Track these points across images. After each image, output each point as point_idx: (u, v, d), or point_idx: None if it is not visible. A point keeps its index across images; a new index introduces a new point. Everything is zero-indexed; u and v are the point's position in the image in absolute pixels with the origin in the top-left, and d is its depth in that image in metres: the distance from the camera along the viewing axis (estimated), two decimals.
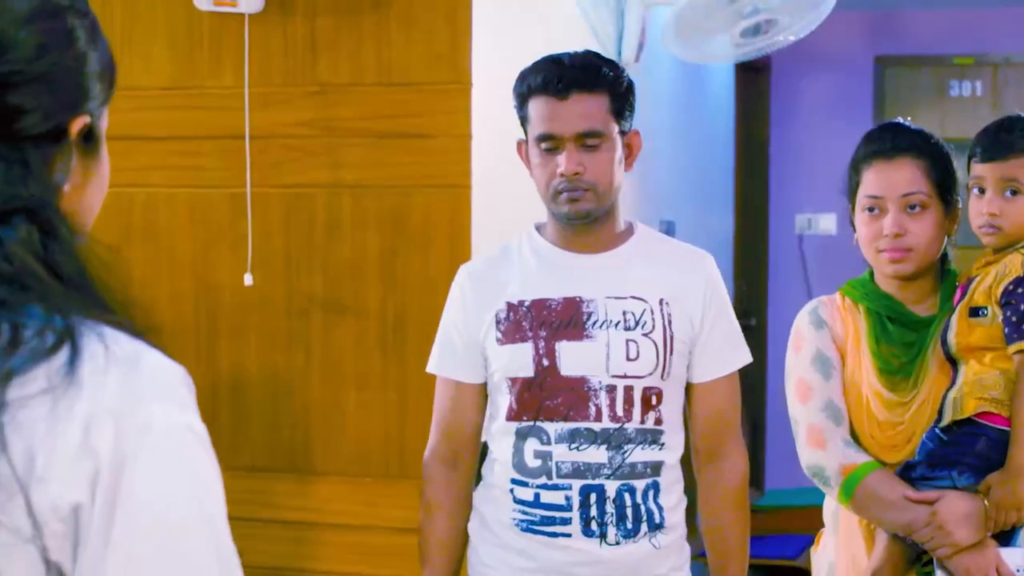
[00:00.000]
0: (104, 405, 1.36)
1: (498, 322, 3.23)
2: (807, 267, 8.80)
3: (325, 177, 4.23)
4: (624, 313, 3.18)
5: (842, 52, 8.95)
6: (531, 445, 3.20)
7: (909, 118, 3.42)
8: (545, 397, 3.17)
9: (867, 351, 3.24)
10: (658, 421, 3.20)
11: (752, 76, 8.82)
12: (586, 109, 3.14)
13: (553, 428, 3.17)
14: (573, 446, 3.16)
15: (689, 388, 3.29)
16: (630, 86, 3.23)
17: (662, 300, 3.21)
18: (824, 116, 8.97)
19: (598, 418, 3.16)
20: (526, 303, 3.22)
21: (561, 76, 3.14)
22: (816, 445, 3.22)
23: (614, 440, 3.16)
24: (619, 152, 3.19)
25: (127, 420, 1.36)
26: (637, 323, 3.18)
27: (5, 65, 1.42)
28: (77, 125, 1.49)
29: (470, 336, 3.28)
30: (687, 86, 7.29)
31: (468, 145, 4.08)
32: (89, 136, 1.51)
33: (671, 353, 3.19)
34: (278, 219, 4.28)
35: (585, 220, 3.19)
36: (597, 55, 3.24)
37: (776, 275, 9.07)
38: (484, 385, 3.32)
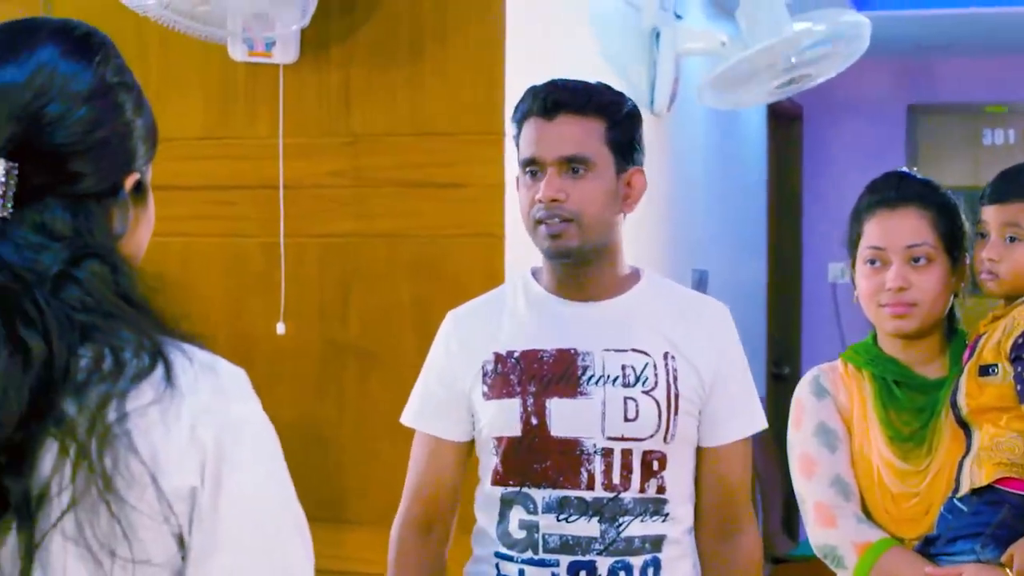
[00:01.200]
0: (202, 407, 1.69)
1: (485, 374, 2.92)
2: (841, 316, 8.78)
3: (359, 226, 4.25)
4: (624, 368, 2.86)
5: (874, 100, 8.96)
6: (517, 514, 2.88)
7: (915, 168, 3.33)
8: (533, 460, 2.86)
9: (875, 419, 3.03)
10: (661, 489, 2.86)
11: (785, 124, 8.83)
12: (573, 132, 2.84)
13: (540, 495, 2.84)
14: (562, 517, 2.83)
15: (698, 453, 2.97)
16: (633, 118, 2.94)
17: (667, 354, 2.88)
18: (857, 164, 8.95)
19: (590, 486, 2.83)
20: (516, 354, 2.90)
21: (549, 96, 2.88)
22: (826, 524, 3.00)
23: (607, 511, 2.82)
24: (612, 185, 2.87)
25: (222, 416, 1.70)
26: (638, 379, 2.85)
27: (67, 138, 1.70)
28: (129, 181, 1.79)
29: (455, 387, 2.97)
30: (720, 135, 7.29)
31: (501, 194, 4.09)
32: (139, 187, 1.81)
33: (676, 413, 2.86)
34: (312, 268, 4.29)
35: (569, 260, 2.88)
36: (605, 85, 2.98)
37: (809, 324, 9.05)
38: (467, 444, 3.01)
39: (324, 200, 4.28)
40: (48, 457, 1.59)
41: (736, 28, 5.34)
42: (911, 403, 3.03)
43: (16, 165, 1.67)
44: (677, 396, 2.87)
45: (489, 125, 4.12)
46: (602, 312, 2.93)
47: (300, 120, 4.29)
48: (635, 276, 3.00)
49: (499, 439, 2.89)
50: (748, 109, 7.43)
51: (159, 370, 1.67)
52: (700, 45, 5.70)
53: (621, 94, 2.98)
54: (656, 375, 2.87)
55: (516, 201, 4.11)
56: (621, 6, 5.32)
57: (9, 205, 1.66)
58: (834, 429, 3.07)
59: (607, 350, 2.88)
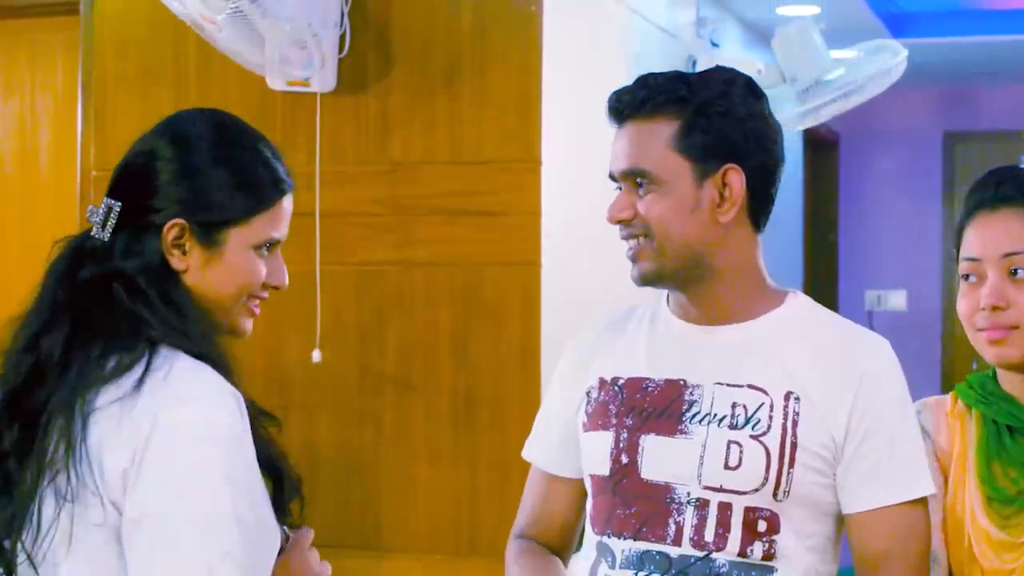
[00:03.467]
0: (152, 407, 2.01)
1: (588, 402, 2.54)
2: None
3: (396, 254, 4.25)
4: (734, 406, 2.39)
5: (911, 128, 8.94)
6: (601, 569, 2.45)
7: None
8: (617, 504, 2.43)
9: (974, 472, 2.48)
10: (768, 556, 2.36)
11: (821, 151, 8.82)
12: (633, 141, 2.44)
13: (621, 548, 2.42)
14: (641, 574, 2.39)
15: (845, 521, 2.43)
16: (723, 108, 2.43)
17: (789, 394, 2.38)
18: (893, 192, 8.96)
19: (677, 541, 2.38)
20: (620, 381, 2.49)
21: (618, 99, 2.48)
22: None
23: (693, 573, 2.35)
24: (687, 196, 2.41)
25: (162, 414, 2.00)
26: (748, 421, 2.38)
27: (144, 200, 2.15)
28: (168, 227, 2.13)
29: (565, 416, 2.59)
30: None
31: (539, 223, 4.09)
32: (206, 236, 2.14)
33: (791, 465, 2.35)
34: (350, 296, 4.30)
35: (656, 285, 2.48)
36: (680, 74, 2.49)
37: None
38: (581, 481, 2.58)
39: (361, 228, 4.29)
40: (53, 424, 2.05)
41: (772, 56, 5.35)
42: (1023, 455, 2.46)
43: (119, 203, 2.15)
44: (795, 446, 2.36)
45: (526, 153, 4.13)
46: (723, 338, 2.47)
47: (338, 148, 4.31)
48: (778, 299, 2.51)
49: (592, 477, 2.50)
50: (785, 135, 7.41)
51: (136, 372, 2.03)
52: None
53: (706, 83, 2.46)
54: (771, 418, 2.38)
55: (553, 229, 4.15)
56: (658, 34, 5.33)
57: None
58: None
59: (719, 384, 2.42)
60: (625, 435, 2.44)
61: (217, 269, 2.16)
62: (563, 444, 2.59)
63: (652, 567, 2.38)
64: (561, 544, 2.64)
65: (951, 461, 2.52)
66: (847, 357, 2.42)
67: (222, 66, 4.31)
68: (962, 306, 2.49)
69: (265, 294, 2.26)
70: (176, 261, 2.13)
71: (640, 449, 2.42)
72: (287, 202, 2.25)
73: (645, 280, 2.46)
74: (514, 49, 4.15)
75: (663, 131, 2.41)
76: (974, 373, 2.58)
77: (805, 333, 2.46)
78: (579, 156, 4.29)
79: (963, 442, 2.52)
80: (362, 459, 4.28)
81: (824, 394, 2.38)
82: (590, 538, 2.49)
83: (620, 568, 2.41)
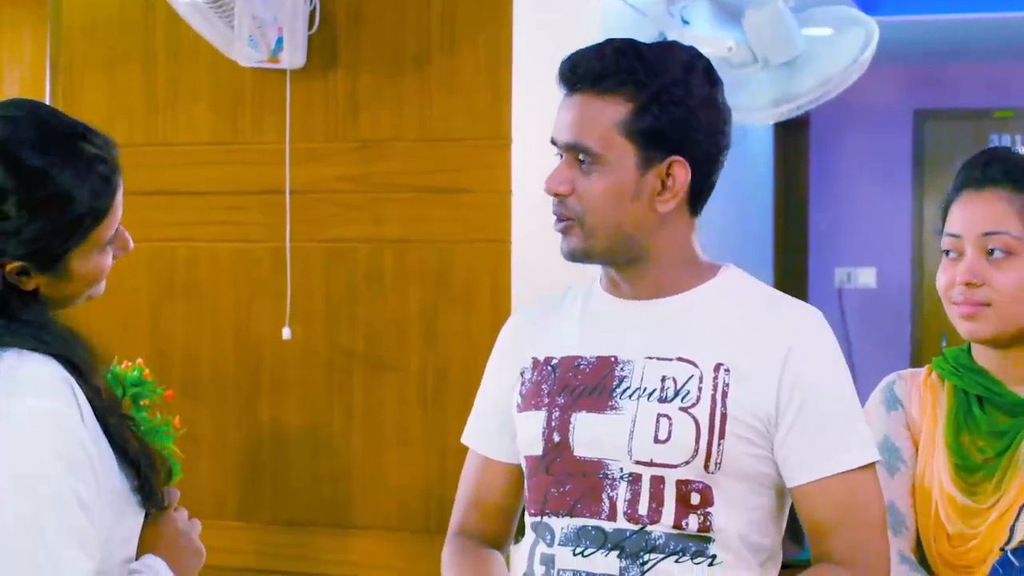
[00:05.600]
0: None
1: (522, 383, 2.49)
2: (847, 321, 8.77)
3: (366, 232, 4.25)
4: (663, 379, 2.34)
5: (881, 106, 8.95)
6: (539, 547, 2.41)
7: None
8: (551, 483, 2.40)
9: (943, 442, 2.54)
10: (704, 528, 2.32)
11: (792, 129, 8.83)
12: (581, 115, 2.35)
13: (559, 525, 2.38)
14: (578, 550, 2.35)
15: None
16: (679, 95, 2.34)
17: (719, 366, 2.33)
18: (863, 170, 8.97)
19: (611, 516, 2.34)
20: (554, 361, 2.45)
21: (570, 65, 2.39)
22: None
23: (630, 546, 2.32)
24: (627, 182, 2.34)
25: None
26: (676, 393, 2.33)
27: None
28: (9, 269, 2.12)
29: (500, 399, 2.55)
30: None
31: (508, 200, 4.09)
32: (47, 268, 2.14)
33: (721, 437, 2.30)
34: (319, 273, 4.30)
35: (583, 262, 2.44)
36: (639, 49, 2.37)
37: None
38: (518, 466, 2.54)
39: (331, 205, 4.28)
40: None
41: (743, 34, 5.35)
42: (991, 425, 2.52)
43: None
44: (724, 417, 2.31)
45: (496, 131, 4.13)
46: (653, 312, 2.41)
47: (307, 126, 4.30)
48: (711, 272, 2.47)
49: (526, 458, 2.46)
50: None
51: None
52: (707, 50, 5.66)
53: (672, 64, 2.37)
54: (700, 390, 2.32)
55: (523, 207, 4.14)
56: (628, 12, 5.32)
57: None
58: (899, 448, 2.59)
59: (649, 358, 2.37)
60: (557, 414, 2.40)
61: (66, 283, 2.19)
62: (500, 427, 2.55)
63: (588, 542, 2.35)
64: (499, 532, 2.60)
65: (922, 429, 2.58)
66: (777, 327, 2.38)
67: (191, 44, 4.30)
68: (940, 280, 2.56)
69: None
70: (26, 284, 2.15)
71: (571, 427, 2.38)
72: (119, 192, 2.20)
73: (573, 257, 2.42)
74: (484, 26, 4.14)
75: (613, 111, 2.33)
76: (950, 348, 2.64)
77: (736, 304, 2.42)
78: (549, 134, 4.29)
79: (934, 413, 2.58)
80: (332, 438, 4.28)
81: (754, 364, 2.33)
82: (528, 521, 2.45)
83: (559, 545, 2.37)
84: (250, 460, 4.35)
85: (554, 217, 2.41)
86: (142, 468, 2.18)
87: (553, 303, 2.58)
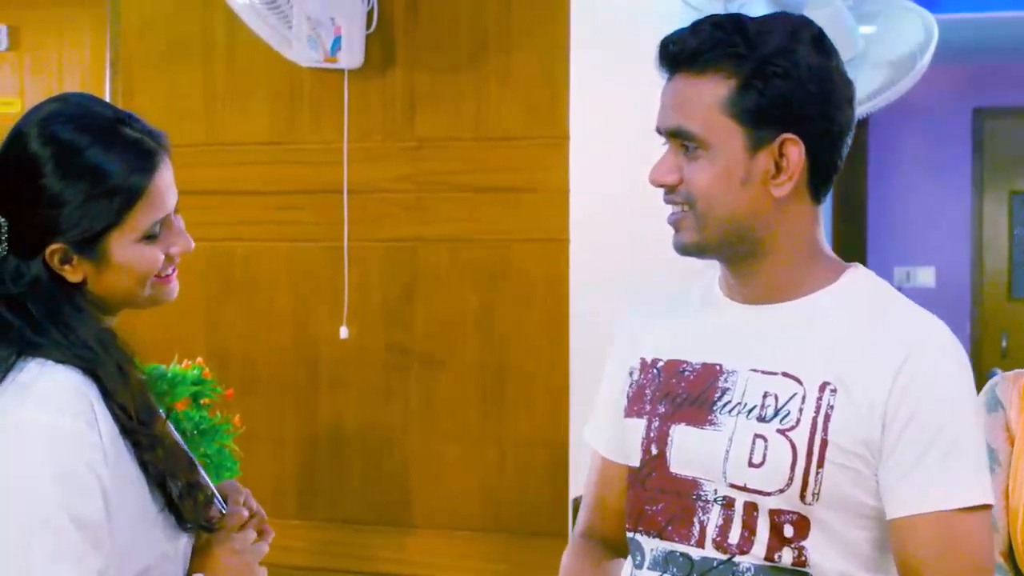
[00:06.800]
0: None
1: (630, 384, 2.32)
2: None
3: (422, 231, 4.25)
4: (765, 396, 2.14)
5: (940, 105, 8.89)
6: (629, 569, 2.27)
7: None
8: (646, 499, 2.22)
9: None
10: (800, 562, 2.09)
11: None
12: (681, 97, 2.15)
13: (649, 547, 2.21)
14: None
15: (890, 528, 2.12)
16: (777, 69, 2.12)
17: (825, 385, 2.10)
18: (922, 169, 8.92)
19: (700, 542, 2.15)
20: (660, 363, 2.27)
21: (669, 43, 2.17)
22: None
23: None
24: (737, 166, 2.13)
25: (1, 416, 2.01)
26: (776, 413, 2.12)
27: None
28: (49, 253, 2.12)
29: (613, 397, 2.36)
30: None
31: (566, 199, 4.08)
32: (86, 251, 2.12)
33: (820, 465, 2.07)
34: (376, 273, 4.30)
35: (694, 256, 2.22)
36: (739, 21, 2.18)
37: None
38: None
39: (388, 205, 4.29)
40: None
41: None
42: None
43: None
44: (824, 444, 2.08)
45: (554, 130, 4.12)
46: (764, 319, 2.21)
47: (365, 125, 4.30)
48: (834, 274, 2.23)
49: (628, 468, 2.28)
50: None
51: None
52: None
53: (775, 31, 2.15)
54: (802, 411, 2.10)
55: (581, 206, 4.13)
56: (686, 9, 5.31)
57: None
58: (995, 449, 2.50)
59: (754, 371, 2.17)
60: (657, 424, 2.21)
61: (110, 273, 2.16)
62: (613, 426, 2.34)
63: (675, 569, 2.18)
64: (621, 535, 2.34)
65: (1019, 431, 2.50)
66: (893, 340, 2.10)
67: (249, 44, 4.31)
68: None
69: (172, 268, 2.23)
70: (70, 275, 2.14)
71: (670, 440, 2.19)
72: (161, 176, 2.17)
73: (685, 251, 2.20)
74: (541, 25, 4.14)
75: (714, 90, 2.12)
76: None
77: (855, 313, 2.16)
78: (607, 132, 4.28)
79: None
80: (389, 435, 4.29)
81: (864, 384, 2.08)
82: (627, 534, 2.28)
83: (647, 568, 2.21)
84: (308, 458, 4.36)
85: (667, 210, 2.19)
86: (169, 489, 2.13)
87: (669, 299, 2.38)
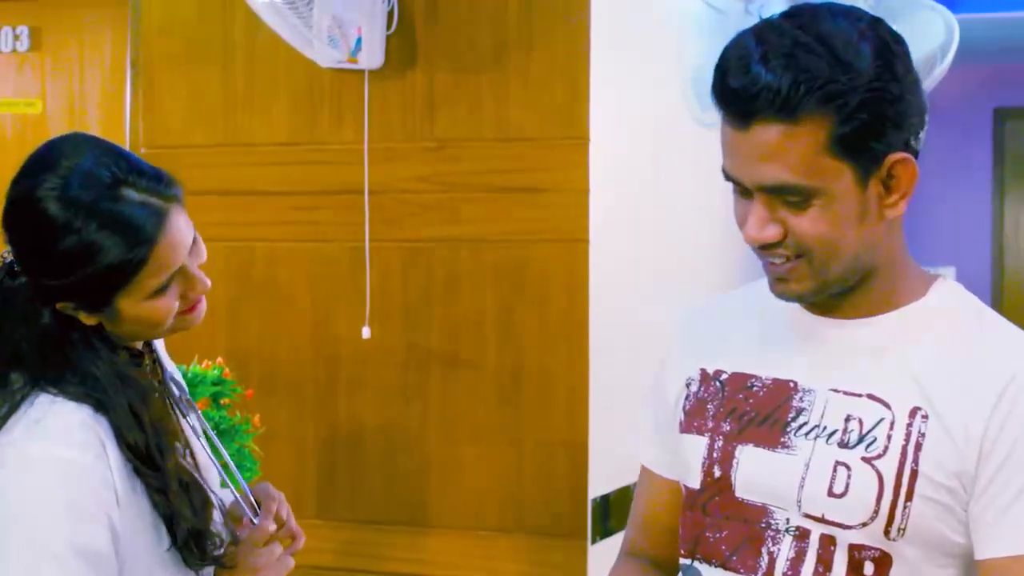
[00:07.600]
0: (5, 440, 2.05)
1: (686, 396, 2.17)
2: None
3: (443, 231, 4.25)
4: (848, 419, 1.97)
5: (961, 105, 8.88)
6: None
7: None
8: (707, 525, 2.07)
9: None
10: None
11: None
12: (776, 150, 1.88)
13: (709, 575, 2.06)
14: None
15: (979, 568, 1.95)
16: (875, 95, 1.88)
17: (916, 410, 1.93)
18: (943, 169, 8.90)
19: (768, 575, 1.99)
20: (724, 375, 2.11)
21: (740, 91, 1.88)
22: None
23: None
24: (852, 204, 1.93)
25: (11, 449, 2.04)
26: (861, 439, 1.95)
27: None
28: (59, 306, 2.14)
29: (666, 410, 2.22)
30: None
31: (586, 200, 4.08)
32: (95, 310, 2.14)
33: (908, 498, 1.91)
34: (396, 273, 4.30)
35: (807, 301, 2.05)
36: (827, 35, 1.87)
37: None
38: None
39: (408, 205, 4.29)
40: None
41: None
42: None
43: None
44: (915, 475, 1.91)
45: (574, 130, 4.11)
46: (848, 335, 2.03)
47: (385, 125, 4.30)
48: (922, 287, 2.08)
49: (685, 488, 2.15)
50: None
51: (4, 410, 2.09)
52: None
53: (855, 64, 1.88)
54: (890, 438, 1.93)
55: (601, 206, 4.13)
56: (706, 10, 5.30)
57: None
58: None
59: (835, 391, 2.00)
60: (720, 443, 2.06)
61: (124, 324, 2.18)
62: (663, 440, 2.23)
63: None
64: (669, 555, 2.23)
65: None
66: (992, 361, 1.94)
67: (269, 44, 4.31)
68: None
69: (191, 305, 2.26)
70: (85, 320, 2.16)
71: (735, 462, 2.04)
72: (168, 235, 2.13)
73: (800, 300, 2.03)
74: (562, 25, 4.13)
75: (814, 134, 1.87)
76: None
77: (946, 331, 2.00)
78: (627, 133, 4.28)
79: None
80: (408, 436, 4.29)
81: (959, 411, 1.92)
82: (680, 561, 2.15)
83: None
84: (328, 458, 4.36)
85: (766, 263, 2.01)
86: (175, 530, 2.14)
87: (729, 302, 2.25)
